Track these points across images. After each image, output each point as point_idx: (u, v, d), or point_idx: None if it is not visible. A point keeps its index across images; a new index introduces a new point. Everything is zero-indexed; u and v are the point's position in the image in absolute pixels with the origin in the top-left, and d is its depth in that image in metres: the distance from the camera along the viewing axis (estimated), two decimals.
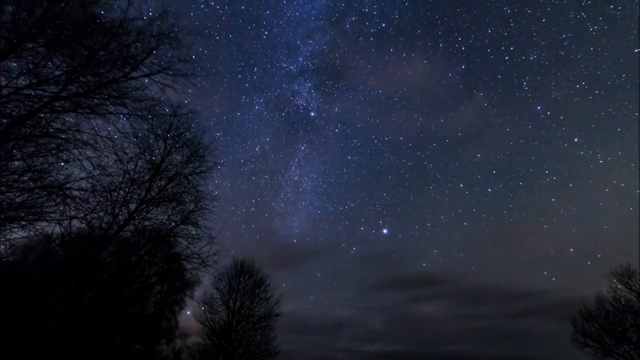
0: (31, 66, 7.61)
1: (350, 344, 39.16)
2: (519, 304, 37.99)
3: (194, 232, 13.77)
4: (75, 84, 8.10)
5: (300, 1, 39.13)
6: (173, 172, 13.53)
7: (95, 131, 8.63)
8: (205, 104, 37.24)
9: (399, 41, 41.04)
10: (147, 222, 13.40)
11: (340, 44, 42.08)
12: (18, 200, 8.42)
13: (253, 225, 41.78)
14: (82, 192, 9.46)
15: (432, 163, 42.65)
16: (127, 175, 12.28)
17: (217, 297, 22.58)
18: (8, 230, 8.81)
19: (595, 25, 32.65)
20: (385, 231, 41.55)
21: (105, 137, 8.88)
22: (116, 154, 9.76)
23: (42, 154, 8.19)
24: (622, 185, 31.49)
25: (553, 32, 35.11)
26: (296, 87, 42.93)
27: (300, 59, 41.92)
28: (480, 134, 42.24)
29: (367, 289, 45.14)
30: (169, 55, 9.00)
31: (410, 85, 42.05)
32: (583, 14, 33.19)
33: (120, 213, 12.56)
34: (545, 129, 36.75)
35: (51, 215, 9.01)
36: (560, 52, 34.93)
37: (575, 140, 34.58)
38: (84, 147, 8.58)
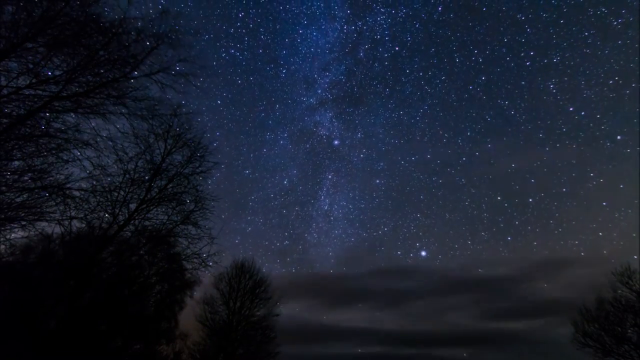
0: (31, 66, 7.61)
1: None
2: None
3: (194, 232, 13.80)
4: (75, 84, 8.10)
5: (314, 37, 40.14)
6: (173, 172, 13.55)
7: (95, 131, 8.66)
8: (233, 144, 39.83)
9: (414, 62, 41.21)
10: (147, 222, 13.44)
11: (356, 71, 42.60)
12: (18, 200, 8.41)
13: (288, 259, 41.32)
14: (82, 192, 9.47)
15: (465, 178, 40.25)
16: (127, 175, 12.29)
17: (217, 297, 22.58)
18: (8, 230, 8.80)
19: (620, 18, 31.22)
20: (423, 253, 39.06)
21: (105, 137, 8.91)
22: (116, 154, 9.79)
23: (42, 154, 8.18)
24: None
25: (574, 31, 33.94)
26: (318, 118, 43.71)
27: (319, 91, 42.99)
28: (511, 142, 39.66)
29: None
30: (169, 55, 9.02)
31: (430, 102, 41.50)
32: (603, 9, 32.12)
33: (120, 213, 12.57)
34: (581, 130, 34.71)
35: (51, 215, 9.01)
36: (585, 50, 33.61)
37: (619, 138, 32.24)
38: (84, 147, 8.60)
